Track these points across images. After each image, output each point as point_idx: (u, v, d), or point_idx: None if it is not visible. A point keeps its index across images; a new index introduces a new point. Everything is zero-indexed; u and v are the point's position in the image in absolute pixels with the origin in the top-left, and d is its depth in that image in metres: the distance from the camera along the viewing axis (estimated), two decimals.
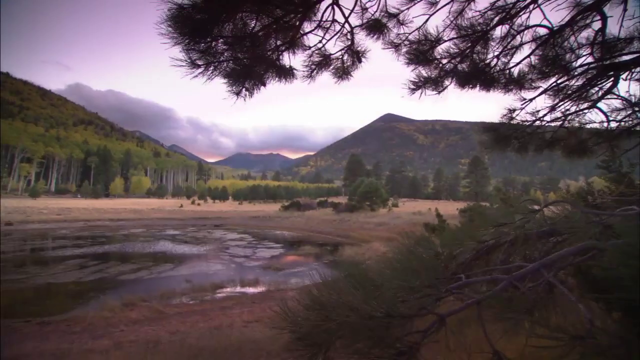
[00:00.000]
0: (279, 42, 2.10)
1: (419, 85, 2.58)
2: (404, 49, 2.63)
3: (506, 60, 2.76)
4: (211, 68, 1.75)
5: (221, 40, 1.75)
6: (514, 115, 2.77)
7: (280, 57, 2.17)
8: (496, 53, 2.68)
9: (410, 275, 1.16)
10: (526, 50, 2.65)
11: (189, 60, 1.68)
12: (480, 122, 3.22)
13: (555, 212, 1.34)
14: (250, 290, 9.95)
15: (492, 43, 2.64)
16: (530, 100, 2.73)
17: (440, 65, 2.75)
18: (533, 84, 2.81)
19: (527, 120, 2.78)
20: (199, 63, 1.71)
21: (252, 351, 4.31)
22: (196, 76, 1.71)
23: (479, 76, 2.80)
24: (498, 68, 2.76)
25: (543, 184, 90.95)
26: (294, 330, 1.47)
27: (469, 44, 2.60)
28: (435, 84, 2.75)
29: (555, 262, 1.00)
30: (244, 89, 2.01)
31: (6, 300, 9.37)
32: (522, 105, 2.73)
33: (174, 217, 36.41)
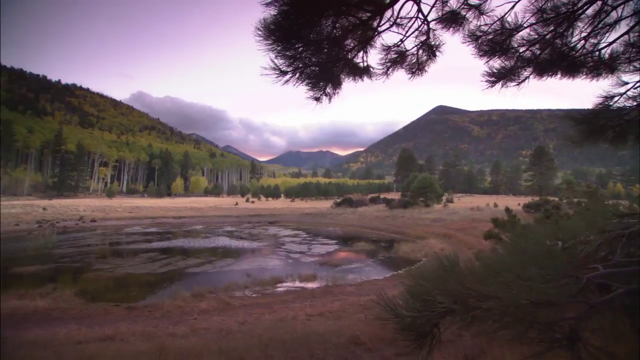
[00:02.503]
0: (354, 43, 2.12)
1: (498, 77, 2.43)
2: (477, 40, 2.51)
3: (596, 41, 2.51)
4: (297, 74, 1.81)
5: (303, 45, 1.80)
6: (610, 102, 2.51)
7: (355, 57, 2.19)
8: (584, 34, 2.45)
9: (527, 264, 1.12)
10: (623, 27, 2.38)
11: (276, 68, 1.75)
12: (568, 112, 2.96)
13: None
14: (309, 285, 10.18)
15: (579, 24, 2.42)
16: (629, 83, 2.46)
17: (518, 54, 2.58)
18: (632, 65, 2.53)
19: (626, 107, 2.50)
20: (286, 70, 1.77)
21: (319, 343, 4.41)
22: (285, 83, 1.78)
23: (561, 62, 2.58)
24: (585, 51, 2.52)
25: (625, 176, 77.63)
26: (398, 321, 1.50)
27: (552, 28, 2.41)
28: (511, 74, 2.59)
29: None
30: (323, 95, 2.05)
31: (98, 286, 10.65)
32: (621, 89, 2.46)
33: (230, 215, 38.30)
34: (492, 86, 2.44)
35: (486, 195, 75.21)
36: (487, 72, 2.54)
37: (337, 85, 2.06)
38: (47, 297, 8.70)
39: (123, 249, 17.66)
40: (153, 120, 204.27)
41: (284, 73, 1.74)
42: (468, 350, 3.53)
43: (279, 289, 9.84)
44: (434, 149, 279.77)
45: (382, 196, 43.96)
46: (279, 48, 1.65)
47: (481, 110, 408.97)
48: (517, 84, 2.48)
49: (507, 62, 2.60)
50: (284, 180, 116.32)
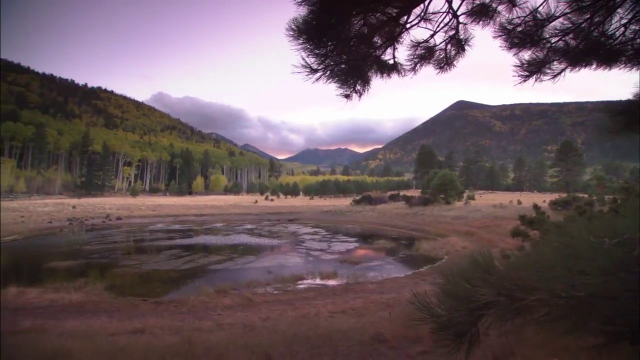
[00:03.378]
0: (382, 40, 2.11)
1: (531, 71, 2.35)
2: (504, 31, 2.44)
3: (638, 28, 2.40)
4: (327, 72, 1.82)
5: (334, 44, 1.81)
6: None
7: (383, 53, 2.18)
8: (624, 21, 2.35)
9: (575, 259, 1.10)
10: None
11: (307, 66, 1.77)
12: (606, 103, 2.83)
13: None
14: (330, 282, 10.22)
15: (618, 10, 2.32)
16: None
17: (549, 45, 2.49)
18: None
19: None
20: (317, 68, 1.79)
21: (343, 340, 4.43)
22: (316, 81, 1.79)
23: (597, 51, 2.48)
24: (624, 38, 2.41)
25: None
26: (433, 321, 1.49)
27: (588, 16, 2.32)
28: (545, 67, 2.50)
29: None
30: (353, 92, 2.05)
31: (125, 281, 11.05)
32: None
33: (250, 212, 38.83)
34: (524, 80, 2.36)
35: (509, 192, 73.14)
36: (518, 65, 2.47)
37: (366, 82, 2.06)
38: (80, 291, 9.12)
39: (147, 246, 18.23)
40: (174, 120, 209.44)
41: (314, 71, 1.76)
42: (496, 349, 3.47)
43: (300, 286, 9.92)
44: (454, 145, 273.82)
45: (401, 193, 43.46)
46: (310, 47, 1.67)
47: (503, 105, 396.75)
48: (552, 77, 2.38)
49: (537, 54, 2.52)
50: (303, 178, 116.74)
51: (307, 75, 1.77)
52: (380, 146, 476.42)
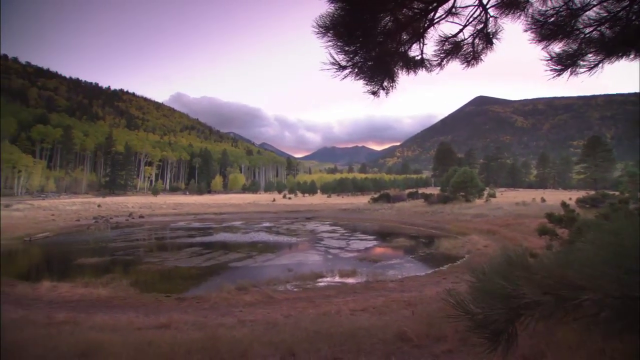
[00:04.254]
0: (408, 35, 2.08)
1: (565, 64, 2.25)
2: (535, 23, 2.36)
3: None
4: (356, 69, 1.81)
5: (362, 40, 1.80)
6: None
7: (410, 49, 2.15)
8: None
9: (625, 259, 1.06)
10: None
11: (336, 63, 1.76)
12: (638, 95, 2.68)
13: None
14: (349, 280, 10.19)
15: None
16: None
17: (583, 35, 2.39)
18: None
19: None
20: (345, 64, 1.78)
21: (366, 338, 4.42)
22: (344, 77, 1.79)
23: (636, 41, 2.36)
24: None
25: None
26: (469, 318, 1.47)
27: (626, 3, 2.22)
28: (580, 59, 2.40)
29: None
30: (380, 88, 2.03)
31: (149, 277, 11.36)
32: None
33: (268, 211, 39.16)
34: (558, 74, 2.26)
35: (531, 189, 71.04)
36: (548, 58, 2.38)
37: (393, 78, 2.04)
38: (107, 287, 9.45)
39: (169, 243, 18.69)
40: (193, 121, 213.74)
41: (343, 68, 1.76)
42: (526, 351, 3.38)
43: (320, 283, 9.94)
44: (474, 142, 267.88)
45: (420, 191, 42.89)
46: (339, 44, 1.66)
47: (525, 100, 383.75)
48: (588, 70, 2.28)
49: (570, 46, 2.42)
50: (320, 176, 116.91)
51: (335, 72, 1.77)
52: (398, 143, 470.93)
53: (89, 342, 4.16)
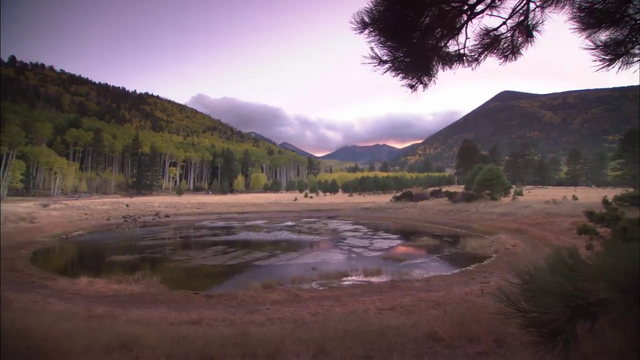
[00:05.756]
0: (447, 30, 2.04)
1: (618, 53, 2.12)
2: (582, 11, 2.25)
3: None
4: (396, 63, 1.80)
5: (403, 35, 1.78)
6: None
7: (447, 44, 2.12)
8: None
9: None
10: None
11: (376, 57, 1.76)
12: None
13: None
14: (375, 279, 10.13)
15: None
16: None
17: (633, 22, 2.26)
18: None
19: None
20: (386, 59, 1.77)
21: (396, 337, 4.38)
22: (385, 72, 1.78)
23: None
24: None
25: None
26: (521, 317, 1.44)
27: None
28: (631, 47, 2.26)
29: None
30: (418, 83, 2.01)
31: (177, 275, 11.69)
32: None
33: (290, 210, 39.43)
34: (608, 65, 2.13)
35: (561, 187, 68.14)
36: (594, 47, 2.27)
37: (431, 73, 2.02)
38: (139, 283, 9.81)
39: (194, 242, 19.17)
40: (215, 122, 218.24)
41: (383, 62, 1.75)
42: (588, 351, 3.25)
43: (345, 282, 9.93)
44: (498, 139, 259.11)
45: (443, 189, 42.04)
46: (381, 38, 1.66)
47: (554, 93, 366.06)
48: None
49: (617, 34, 2.30)
50: (341, 175, 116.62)
51: (375, 66, 1.76)
52: (420, 141, 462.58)
53: (128, 335, 4.33)
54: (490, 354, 3.77)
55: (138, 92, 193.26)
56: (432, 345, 4.14)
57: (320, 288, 9.33)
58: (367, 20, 1.68)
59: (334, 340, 4.25)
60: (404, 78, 2.00)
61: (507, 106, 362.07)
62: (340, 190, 77.40)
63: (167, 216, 33.68)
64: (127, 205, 39.01)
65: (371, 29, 1.68)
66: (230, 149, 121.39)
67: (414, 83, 2.00)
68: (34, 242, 17.63)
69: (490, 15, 2.14)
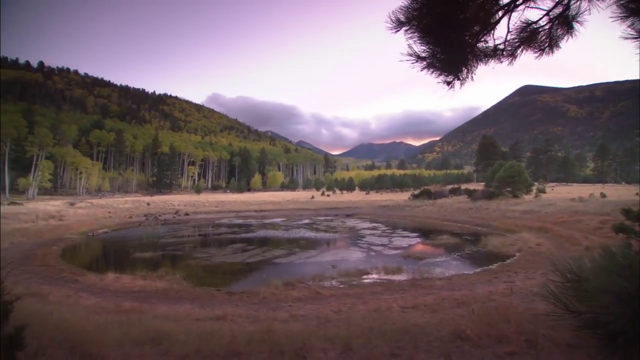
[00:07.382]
0: (483, 25, 1.99)
1: None
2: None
3: None
4: (434, 60, 1.78)
5: (442, 32, 1.75)
6: None
7: (483, 39, 2.07)
8: None
9: None
10: None
11: (414, 54, 1.73)
12: None
13: None
14: (395, 277, 10.05)
15: None
16: None
17: None
18: None
19: None
20: (424, 56, 1.74)
21: (421, 335, 4.33)
22: (423, 69, 1.75)
23: None
24: None
25: None
26: (574, 317, 1.38)
27: None
28: None
29: None
30: (456, 79, 1.97)
31: (199, 272, 11.91)
32: None
33: (308, 208, 39.54)
34: None
35: (587, 184, 65.65)
36: (639, 34, 2.16)
37: (469, 69, 1.97)
38: (163, 279, 10.06)
39: (215, 240, 19.51)
40: (232, 121, 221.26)
41: (422, 59, 1.73)
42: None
43: (365, 280, 9.89)
44: (519, 135, 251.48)
45: (462, 187, 41.25)
46: (419, 36, 1.63)
47: (579, 86, 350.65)
48: None
49: None
50: (358, 173, 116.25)
51: (413, 63, 1.74)
52: (437, 138, 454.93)
53: (156, 329, 4.45)
54: (522, 354, 3.67)
55: (157, 93, 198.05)
56: (460, 344, 4.07)
57: (340, 286, 9.32)
58: (402, 19, 1.66)
59: (359, 337, 4.23)
60: (440, 75, 1.97)
61: (528, 101, 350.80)
62: (357, 188, 77.06)
63: (186, 214, 34.35)
64: (148, 204, 40.05)
65: (407, 27, 1.66)
66: (247, 147, 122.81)
67: (450, 79, 1.96)
68: (63, 239, 18.37)
69: (528, 7, 2.07)
